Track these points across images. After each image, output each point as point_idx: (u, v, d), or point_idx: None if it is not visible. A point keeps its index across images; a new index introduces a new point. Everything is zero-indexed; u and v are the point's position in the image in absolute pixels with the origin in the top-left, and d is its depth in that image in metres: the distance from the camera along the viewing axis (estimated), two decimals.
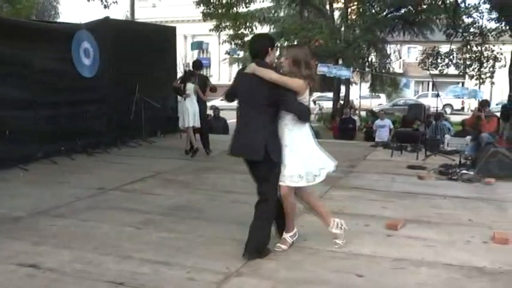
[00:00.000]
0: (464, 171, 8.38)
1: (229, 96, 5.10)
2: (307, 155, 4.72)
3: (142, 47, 12.03)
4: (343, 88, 27.12)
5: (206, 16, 20.16)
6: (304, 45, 5.38)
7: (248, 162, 4.79)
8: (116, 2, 18.08)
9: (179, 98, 11.08)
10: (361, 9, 24.90)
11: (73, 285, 4.04)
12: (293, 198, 4.81)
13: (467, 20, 21.91)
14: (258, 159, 4.57)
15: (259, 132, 4.55)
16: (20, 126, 8.79)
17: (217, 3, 19.43)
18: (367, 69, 26.74)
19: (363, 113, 26.12)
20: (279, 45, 26.76)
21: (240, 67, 4.23)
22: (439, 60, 23.93)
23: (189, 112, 10.20)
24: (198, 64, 10.91)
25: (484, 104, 11.67)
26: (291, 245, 4.88)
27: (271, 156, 4.54)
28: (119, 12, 34.27)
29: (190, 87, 10.21)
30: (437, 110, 12.67)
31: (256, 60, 4.66)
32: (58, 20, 32.43)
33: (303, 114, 4.65)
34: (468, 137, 11.27)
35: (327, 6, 25.73)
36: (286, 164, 4.64)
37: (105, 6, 17.85)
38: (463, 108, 36.74)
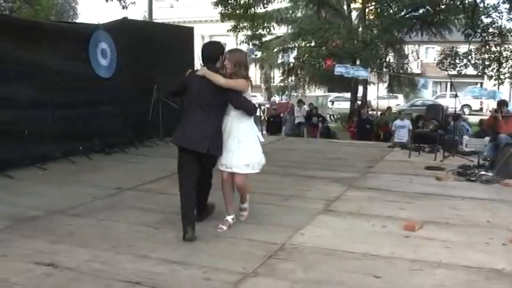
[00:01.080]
0: (482, 173, 8.29)
1: (173, 93, 5.91)
2: (253, 145, 5.37)
3: (160, 48, 12.06)
4: (360, 88, 27.01)
5: (224, 17, 20.21)
6: (241, 49, 6.46)
7: (189, 153, 5.24)
8: (134, 2, 18.16)
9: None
10: (378, 10, 24.77)
11: (90, 284, 4.06)
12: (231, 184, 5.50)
13: (486, 20, 21.69)
14: (202, 151, 5.15)
15: (205, 129, 5.17)
16: (38, 126, 8.86)
17: (235, 3, 19.48)
18: (384, 69, 26.61)
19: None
20: (296, 45, 26.87)
21: (191, 71, 5.16)
22: (457, 61, 23.74)
23: None
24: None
25: (502, 104, 11.50)
26: (230, 226, 5.47)
27: (211, 152, 5.20)
28: (136, 12, 34.48)
29: None
30: (455, 110, 12.56)
31: (207, 65, 5.26)
32: (76, 21, 32.70)
33: (250, 109, 5.37)
34: (487, 138, 11.16)
35: (345, 7, 25.64)
36: (235, 154, 5.29)
37: (123, 7, 17.93)
38: (481, 109, 36.45)
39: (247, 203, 5.76)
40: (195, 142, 5.17)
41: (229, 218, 5.52)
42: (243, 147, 5.29)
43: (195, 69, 5.86)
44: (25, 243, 5.00)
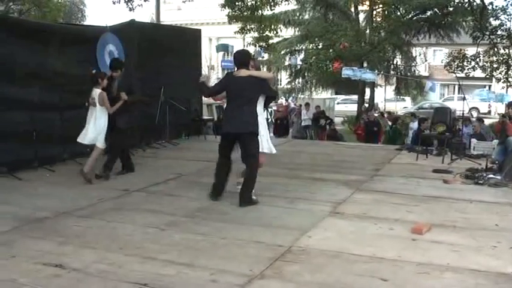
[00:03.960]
0: (490, 176, 8.25)
1: (214, 93, 7.23)
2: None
3: (167, 50, 12.09)
4: (368, 91, 27.00)
5: (231, 19, 20.22)
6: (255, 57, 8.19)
7: (238, 136, 6.59)
8: (142, 5, 18.24)
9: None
10: (386, 12, 24.78)
11: (97, 286, 4.07)
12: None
13: (495, 23, 21.60)
14: (250, 131, 6.50)
15: (252, 115, 6.57)
16: (46, 127, 8.90)
17: (242, 5, 19.47)
18: (392, 72, 26.62)
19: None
20: (303, 47, 26.89)
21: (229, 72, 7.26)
22: (465, 63, 23.66)
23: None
24: (114, 64, 8.65)
25: (511, 106, 11.45)
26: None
27: (256, 131, 6.58)
28: (144, 15, 34.62)
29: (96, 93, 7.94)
30: (463, 113, 12.52)
31: (243, 68, 6.63)
32: (84, 23, 32.82)
33: (274, 93, 7.44)
34: (495, 141, 11.10)
35: (352, 9, 25.65)
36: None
37: (130, 9, 18.01)
38: (489, 112, 36.29)
39: None
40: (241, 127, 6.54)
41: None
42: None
43: (232, 71, 7.07)
44: (33, 244, 5.02)
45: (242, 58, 6.82)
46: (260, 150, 6.70)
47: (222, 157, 6.81)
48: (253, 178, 6.61)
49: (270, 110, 23.44)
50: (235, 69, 6.76)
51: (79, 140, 7.94)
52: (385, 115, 20.83)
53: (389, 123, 18.52)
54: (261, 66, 29.71)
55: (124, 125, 8.33)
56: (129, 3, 17.88)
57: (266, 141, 6.90)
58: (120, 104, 8.03)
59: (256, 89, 6.62)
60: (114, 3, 17.79)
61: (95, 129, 7.86)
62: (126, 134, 8.55)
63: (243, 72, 6.58)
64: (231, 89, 6.66)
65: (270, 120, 21.25)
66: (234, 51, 7.74)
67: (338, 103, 35.00)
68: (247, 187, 6.59)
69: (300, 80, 28.77)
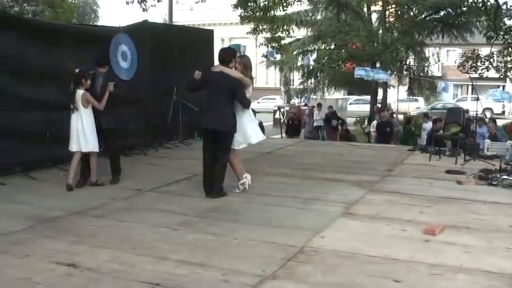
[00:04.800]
0: (504, 177, 8.18)
1: (194, 88, 7.45)
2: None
3: (180, 50, 12.12)
4: (380, 91, 26.90)
5: (243, 19, 20.25)
6: (247, 56, 8.12)
7: (211, 133, 6.88)
8: (155, 5, 18.33)
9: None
10: (399, 12, 24.68)
11: (110, 285, 4.09)
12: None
13: (509, 22, 21.42)
14: (225, 130, 6.80)
15: (225, 112, 6.81)
16: (59, 127, 8.93)
17: (254, 6, 19.49)
18: (405, 72, 26.48)
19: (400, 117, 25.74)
20: (316, 48, 26.84)
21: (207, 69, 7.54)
22: (478, 64, 23.53)
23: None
24: (100, 60, 8.06)
25: None
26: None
27: (231, 130, 6.85)
28: (157, 15, 34.72)
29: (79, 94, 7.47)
30: (476, 114, 12.44)
31: (223, 65, 6.89)
32: (97, 24, 32.98)
33: (246, 104, 6.99)
34: (509, 142, 11.02)
35: (365, 9, 25.56)
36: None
37: (143, 10, 18.09)
38: (503, 112, 36.03)
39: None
40: (216, 122, 6.82)
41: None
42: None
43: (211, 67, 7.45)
44: (46, 243, 5.06)
45: (223, 55, 7.06)
46: (236, 147, 7.11)
47: (204, 153, 7.12)
48: (223, 175, 7.10)
49: (282, 110, 23.44)
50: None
51: (78, 149, 7.47)
52: (394, 115, 20.77)
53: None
54: (273, 67, 29.77)
55: (110, 125, 7.79)
56: (142, 4, 17.97)
57: (244, 134, 7.12)
58: (107, 95, 7.53)
59: (226, 86, 6.79)
60: (127, 3, 17.90)
61: (89, 133, 7.46)
62: (116, 134, 8.04)
63: (217, 68, 6.98)
64: (207, 84, 7.00)
65: (282, 120, 21.26)
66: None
67: (350, 103, 34.92)
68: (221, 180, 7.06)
69: (313, 80, 28.71)
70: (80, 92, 7.38)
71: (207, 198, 6.89)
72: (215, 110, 6.86)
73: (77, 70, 7.58)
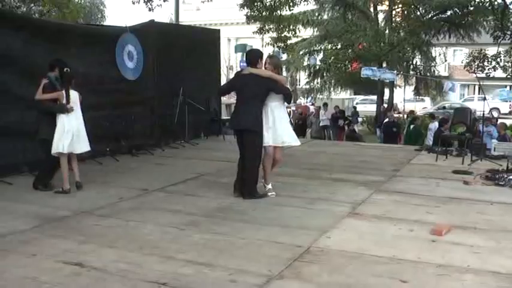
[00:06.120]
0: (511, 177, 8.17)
1: (223, 92, 8.13)
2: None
3: (186, 50, 12.14)
4: (387, 91, 26.85)
5: (250, 19, 20.24)
6: (277, 56, 8.10)
7: (241, 133, 6.88)
8: (161, 5, 18.31)
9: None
10: (405, 12, 24.62)
11: (117, 284, 4.09)
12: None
13: None
14: (252, 129, 6.75)
15: (253, 112, 6.77)
16: None
17: (261, 6, 19.48)
18: (411, 72, 26.44)
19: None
20: (322, 48, 26.82)
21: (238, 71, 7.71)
22: (485, 63, 23.45)
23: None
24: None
25: None
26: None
27: (257, 128, 6.78)
28: (163, 15, 34.76)
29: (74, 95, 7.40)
30: (483, 114, 12.40)
31: (251, 66, 6.97)
32: (104, 24, 33.05)
33: (288, 95, 7.09)
34: None
35: (371, 9, 25.53)
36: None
37: (149, 9, 18.09)
38: (510, 112, 35.91)
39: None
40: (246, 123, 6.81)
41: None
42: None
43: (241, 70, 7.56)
44: (54, 242, 5.07)
45: (249, 57, 7.27)
46: (268, 144, 6.94)
47: (240, 153, 7.08)
48: (254, 175, 6.93)
49: (288, 110, 23.43)
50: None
51: (79, 151, 7.41)
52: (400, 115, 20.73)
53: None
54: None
55: (46, 136, 7.27)
56: (148, 3, 17.96)
57: (279, 134, 6.95)
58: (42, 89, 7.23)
59: (257, 87, 6.79)
60: (133, 3, 17.89)
61: (85, 133, 7.45)
62: (47, 145, 7.24)
63: (246, 70, 7.02)
64: (236, 87, 7.13)
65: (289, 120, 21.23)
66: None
67: (357, 103, 34.88)
68: (250, 181, 6.94)
69: (319, 80, 28.69)
70: (74, 93, 7.35)
71: (236, 197, 6.96)
72: (244, 112, 6.85)
73: (65, 70, 7.37)
